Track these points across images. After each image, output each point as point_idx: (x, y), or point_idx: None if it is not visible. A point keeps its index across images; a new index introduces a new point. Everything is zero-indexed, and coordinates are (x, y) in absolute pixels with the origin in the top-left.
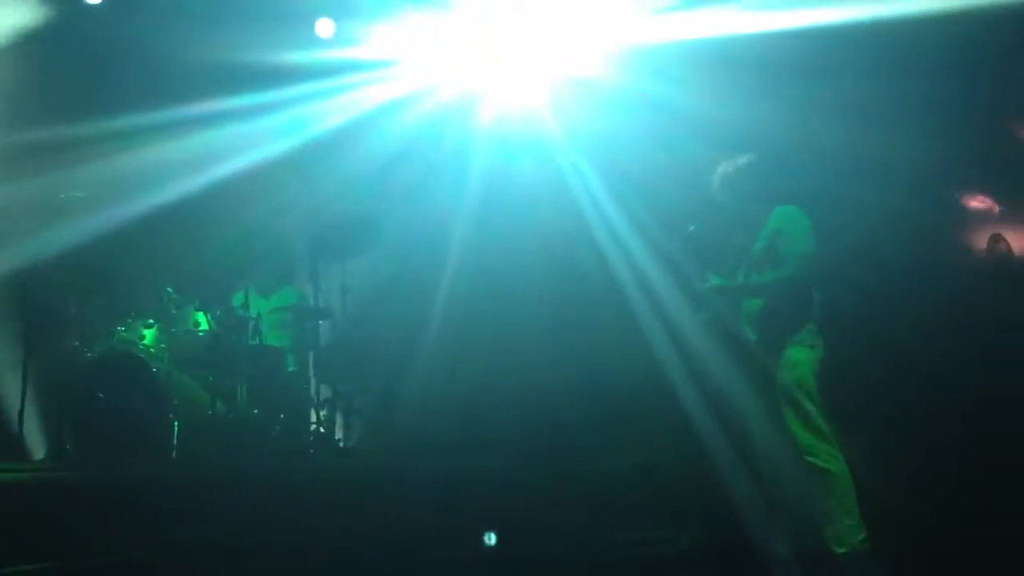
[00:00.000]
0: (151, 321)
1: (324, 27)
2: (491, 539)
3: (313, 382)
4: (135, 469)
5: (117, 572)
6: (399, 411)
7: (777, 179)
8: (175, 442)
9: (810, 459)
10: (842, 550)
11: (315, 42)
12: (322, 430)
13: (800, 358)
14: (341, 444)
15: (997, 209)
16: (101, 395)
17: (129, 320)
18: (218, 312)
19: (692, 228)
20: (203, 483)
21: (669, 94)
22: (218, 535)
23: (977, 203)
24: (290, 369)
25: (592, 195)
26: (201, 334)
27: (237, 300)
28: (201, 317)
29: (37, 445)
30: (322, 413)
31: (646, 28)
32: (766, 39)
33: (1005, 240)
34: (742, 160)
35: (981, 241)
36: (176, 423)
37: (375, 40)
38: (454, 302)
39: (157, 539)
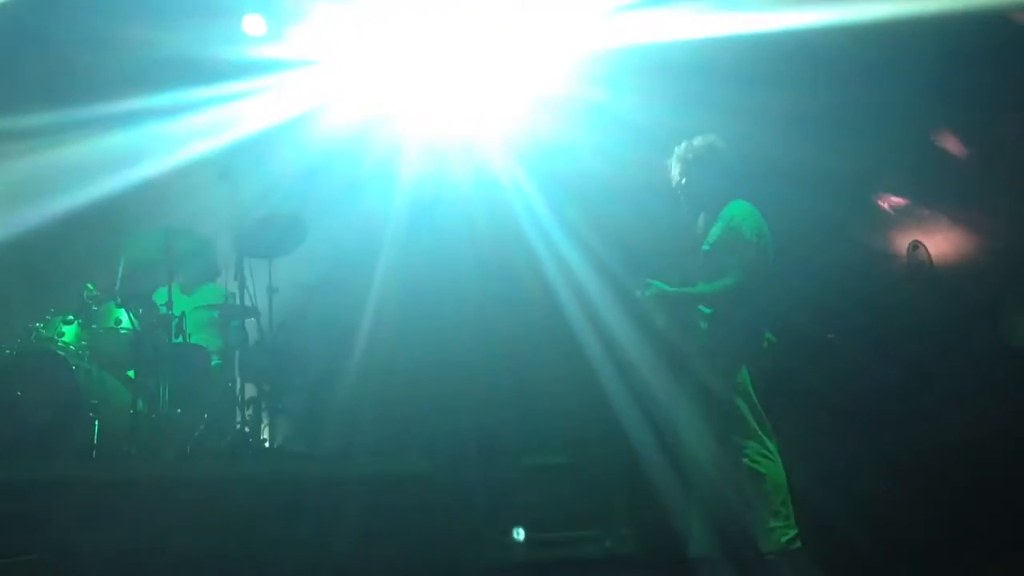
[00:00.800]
0: (71, 318)
1: (253, 24)
2: (519, 535)
3: (238, 381)
4: (54, 469)
5: (35, 573)
6: (326, 412)
7: (734, 166)
8: (95, 442)
9: (743, 460)
10: (772, 551)
11: (243, 39)
12: (247, 430)
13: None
14: (267, 444)
15: (917, 216)
16: (19, 393)
17: (48, 317)
18: (140, 310)
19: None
20: (124, 483)
21: (606, 101)
22: (139, 536)
23: (898, 210)
24: (215, 368)
25: (524, 197)
26: (123, 332)
27: (160, 297)
28: (123, 314)
29: None
30: (247, 413)
31: (586, 34)
32: (701, 47)
33: (924, 247)
34: (700, 143)
35: (901, 247)
36: (96, 422)
37: (306, 39)
38: (384, 303)
39: (75, 540)
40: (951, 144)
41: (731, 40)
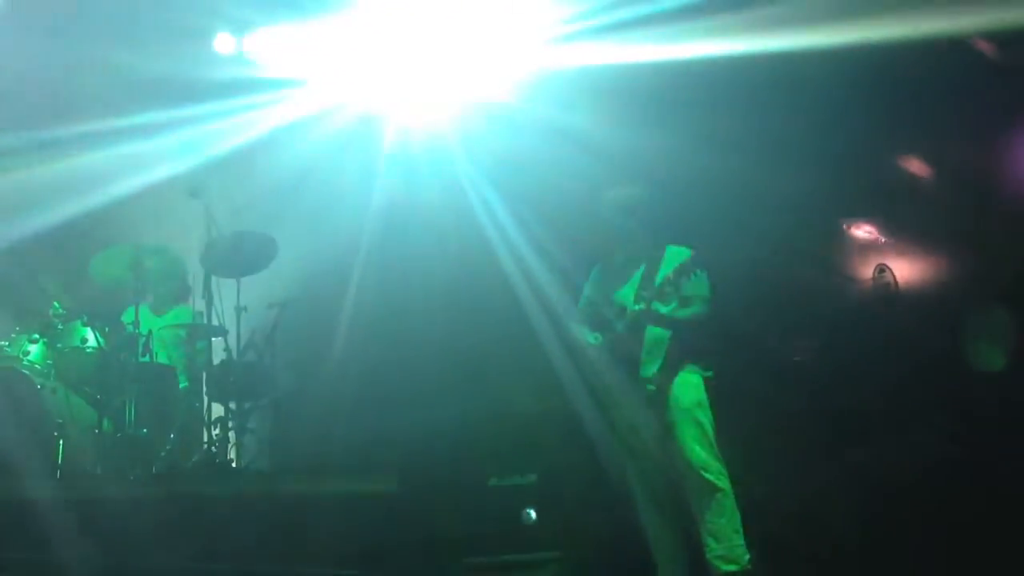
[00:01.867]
0: (36, 336)
1: (223, 43)
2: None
3: (205, 400)
4: (18, 488)
5: None
6: (294, 431)
7: (662, 213)
8: (60, 461)
9: (705, 475)
10: (731, 568)
11: (214, 59)
12: (214, 449)
13: (697, 381)
14: (234, 463)
15: (883, 240)
16: None
17: (13, 335)
18: (107, 328)
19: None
20: (89, 503)
21: (568, 120)
22: (104, 555)
23: (864, 234)
24: (182, 387)
25: (492, 216)
26: (89, 351)
27: (127, 317)
28: (89, 333)
29: None
30: (214, 432)
31: (549, 55)
32: (661, 69)
33: (890, 270)
34: (633, 190)
35: (867, 271)
36: (61, 441)
37: (277, 58)
38: (351, 321)
39: (40, 558)
40: (917, 169)
41: (692, 64)
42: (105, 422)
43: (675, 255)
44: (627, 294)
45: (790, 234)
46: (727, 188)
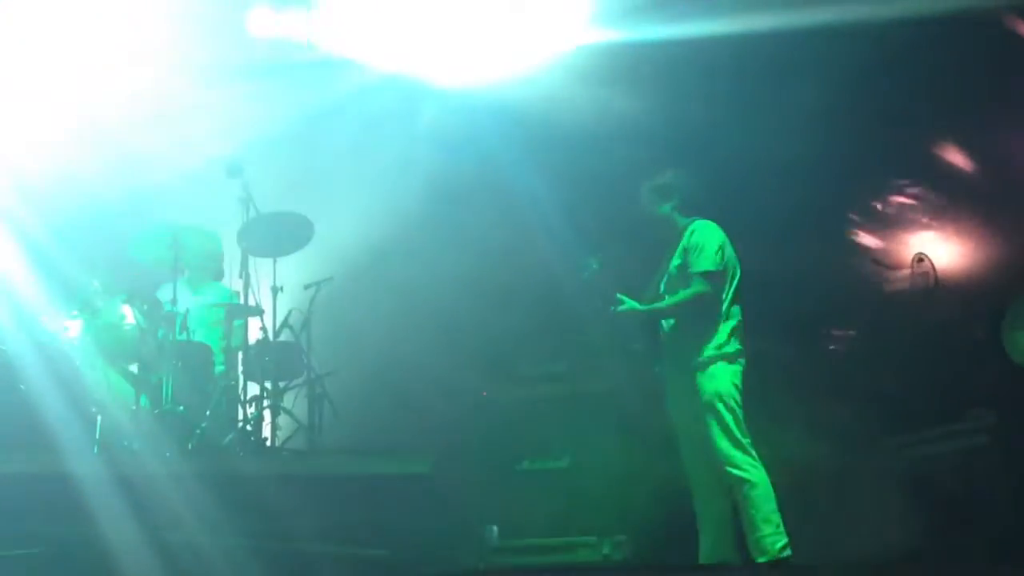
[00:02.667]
0: (76, 313)
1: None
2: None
3: (241, 379)
4: (56, 463)
5: (37, 566)
6: (328, 412)
7: (700, 194)
8: (97, 437)
9: (729, 469)
10: (763, 559)
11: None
12: (249, 428)
13: (717, 371)
14: (268, 443)
15: (923, 228)
16: (23, 387)
17: (53, 312)
18: (145, 306)
19: (595, 266)
20: (126, 479)
21: (612, 100)
22: (140, 532)
23: (903, 222)
24: (218, 366)
25: (532, 196)
26: (127, 328)
27: (164, 295)
28: (127, 311)
29: None
30: (249, 410)
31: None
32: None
33: (929, 259)
34: (666, 175)
35: (906, 260)
36: (100, 417)
37: (316, 34)
38: (389, 302)
39: (77, 535)
40: (958, 156)
41: (733, 40)
42: (142, 399)
43: (689, 233)
44: (660, 276)
45: (825, 222)
46: (764, 171)
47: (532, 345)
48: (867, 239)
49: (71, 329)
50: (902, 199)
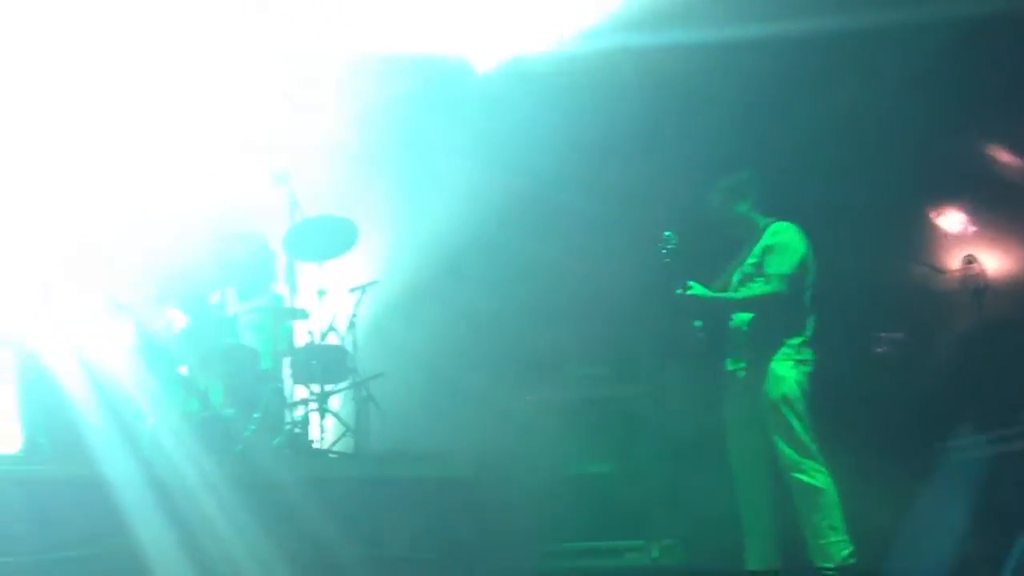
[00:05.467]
0: (127, 318)
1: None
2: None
3: (288, 382)
4: (108, 465)
5: (84, 567)
6: (374, 415)
7: (776, 194)
8: (148, 440)
9: (795, 475)
10: (829, 565)
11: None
12: (297, 431)
13: (786, 373)
14: (315, 445)
15: (971, 230)
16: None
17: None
18: (194, 311)
19: (668, 234)
20: (175, 482)
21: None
22: (187, 534)
23: (952, 223)
24: (265, 369)
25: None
26: (177, 333)
27: (213, 300)
28: (177, 315)
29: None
30: (297, 414)
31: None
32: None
33: (978, 261)
34: (743, 175)
35: (955, 261)
36: (150, 421)
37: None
38: (432, 304)
39: (127, 536)
40: (1008, 157)
41: (767, 45)
42: (192, 402)
43: (768, 233)
44: (737, 270)
45: (879, 223)
46: (814, 173)
47: (575, 349)
48: (917, 241)
49: (122, 335)
50: (952, 201)
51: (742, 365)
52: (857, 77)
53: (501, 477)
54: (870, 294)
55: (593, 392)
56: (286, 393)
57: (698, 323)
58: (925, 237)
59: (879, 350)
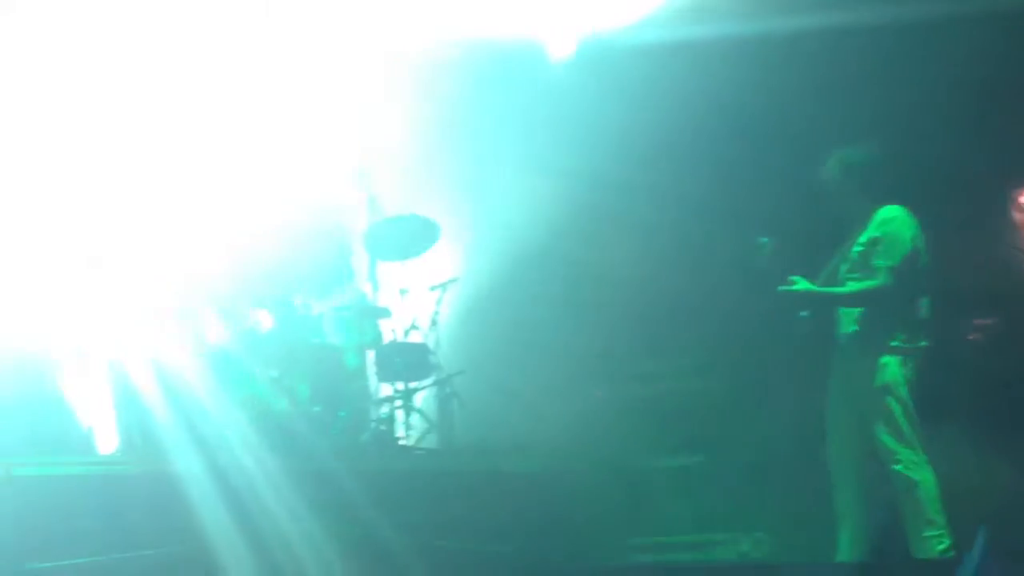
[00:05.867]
0: (219, 319)
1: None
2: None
3: (373, 380)
4: (201, 463)
5: (178, 564)
6: (459, 411)
7: (891, 175)
8: (240, 437)
9: (895, 467)
10: (926, 560)
11: None
12: (382, 428)
13: (890, 361)
14: (401, 442)
15: None
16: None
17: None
18: (279, 311)
19: (763, 241)
20: (266, 477)
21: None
22: (279, 527)
23: None
24: (350, 367)
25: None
26: (264, 333)
27: (298, 300)
28: (263, 315)
29: (109, 439)
30: (382, 411)
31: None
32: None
33: None
34: (858, 149)
35: None
36: (242, 419)
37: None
38: (516, 301)
39: (219, 533)
40: None
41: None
42: (280, 400)
43: (876, 222)
44: (838, 258)
45: (960, 209)
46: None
47: (658, 342)
48: (1004, 225)
49: (211, 336)
50: None
51: (846, 353)
52: (946, 57)
53: (584, 470)
54: (959, 280)
55: (679, 385)
56: (371, 391)
57: (803, 313)
58: (1014, 221)
59: (968, 336)
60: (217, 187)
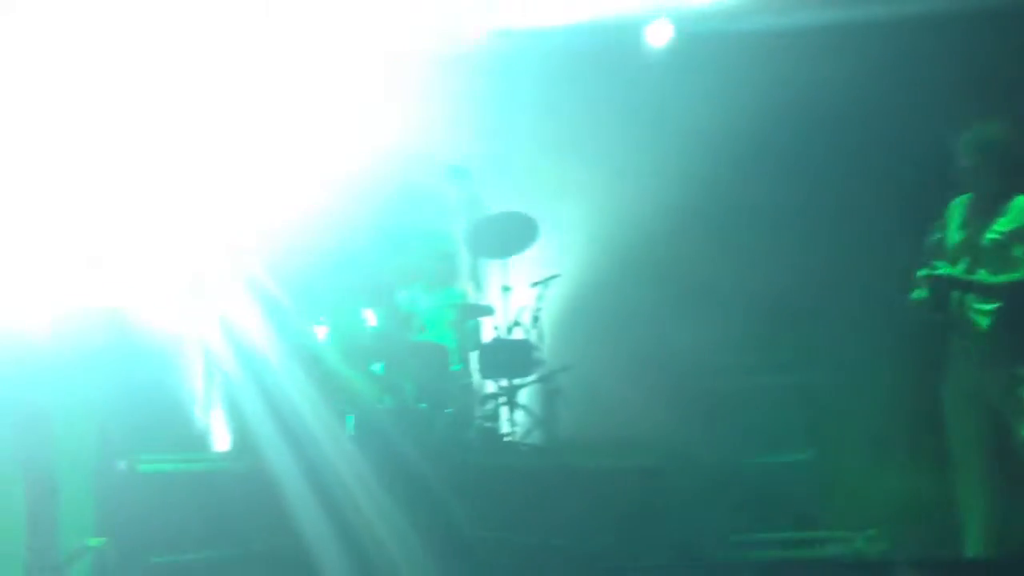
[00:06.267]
0: (322, 318)
1: None
2: None
3: (477, 377)
4: (308, 461)
5: (284, 559)
6: (563, 407)
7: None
8: (349, 434)
9: None
10: None
11: None
12: (487, 424)
13: None
14: (506, 439)
15: None
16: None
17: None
18: (384, 309)
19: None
20: (376, 474)
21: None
22: (386, 522)
23: None
24: (454, 365)
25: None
26: (370, 330)
27: (401, 297)
28: (368, 313)
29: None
30: (487, 408)
31: None
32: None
33: None
34: (992, 127)
35: None
36: (349, 416)
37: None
38: (619, 298)
39: (329, 528)
40: None
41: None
42: (386, 397)
43: (1016, 209)
44: (959, 244)
45: None
46: None
47: (765, 337)
48: None
49: (319, 333)
50: None
51: (980, 345)
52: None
53: (692, 465)
54: None
55: (784, 379)
56: (475, 388)
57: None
58: None
59: None
60: (323, 188)
